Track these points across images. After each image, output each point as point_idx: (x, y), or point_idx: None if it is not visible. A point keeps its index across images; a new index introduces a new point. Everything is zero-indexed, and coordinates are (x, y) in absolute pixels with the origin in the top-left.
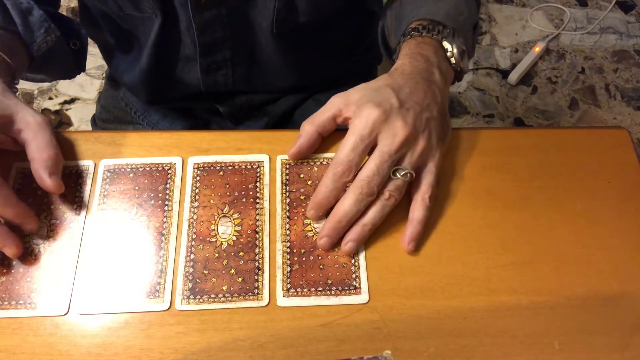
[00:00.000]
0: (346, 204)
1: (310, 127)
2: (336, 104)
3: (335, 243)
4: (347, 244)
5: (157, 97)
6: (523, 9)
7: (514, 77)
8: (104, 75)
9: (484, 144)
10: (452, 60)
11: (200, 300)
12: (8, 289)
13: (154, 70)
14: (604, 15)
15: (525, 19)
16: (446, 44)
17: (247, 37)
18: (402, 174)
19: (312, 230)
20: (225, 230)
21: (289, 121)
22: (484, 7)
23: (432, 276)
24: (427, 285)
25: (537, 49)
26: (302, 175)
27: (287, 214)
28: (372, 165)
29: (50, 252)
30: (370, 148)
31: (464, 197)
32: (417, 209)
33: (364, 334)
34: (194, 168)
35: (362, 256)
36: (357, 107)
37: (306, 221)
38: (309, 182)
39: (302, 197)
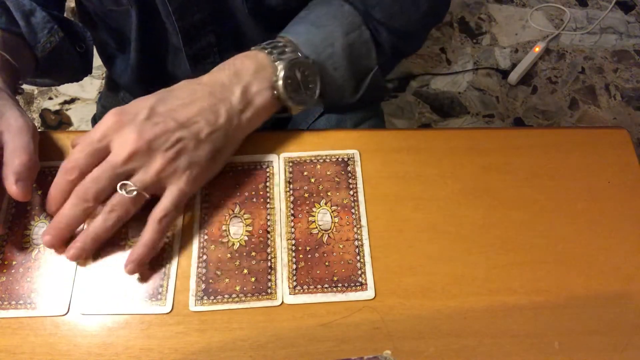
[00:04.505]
0: (65, 207)
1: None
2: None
3: (59, 243)
4: (70, 250)
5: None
6: (523, 9)
7: (514, 77)
8: (104, 75)
9: (484, 144)
10: (276, 89)
11: (214, 301)
12: (8, 289)
13: (145, 66)
14: (604, 15)
15: (525, 19)
16: (278, 69)
17: (227, 20)
18: (127, 189)
19: (316, 227)
20: (237, 231)
21: (288, 120)
22: (484, 7)
23: (432, 276)
24: (427, 285)
25: (537, 49)
26: (305, 173)
27: (292, 211)
28: (93, 173)
29: (50, 252)
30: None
31: (464, 197)
32: (146, 231)
33: (364, 334)
34: None
35: (367, 252)
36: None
37: (310, 218)
38: (312, 180)
39: (306, 195)
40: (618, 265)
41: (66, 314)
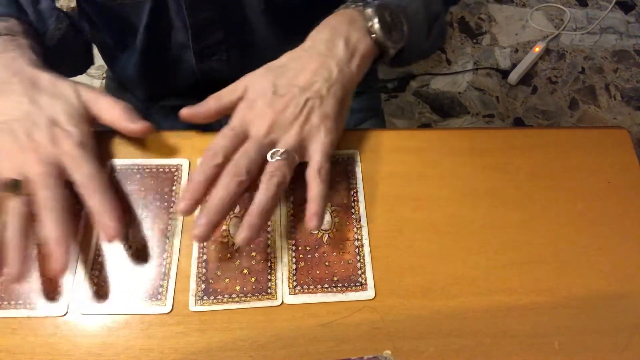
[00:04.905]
0: (217, 189)
1: (215, 103)
2: (242, 87)
3: (210, 234)
4: (240, 234)
5: (155, 92)
6: (523, 9)
7: (514, 77)
8: (104, 75)
9: (484, 144)
10: (373, 32)
11: (214, 301)
12: (8, 288)
13: (150, 61)
14: (604, 15)
15: (525, 19)
16: (369, 13)
17: (238, 17)
18: (278, 154)
19: None
20: (237, 230)
21: None
22: (484, 7)
23: (432, 276)
24: (427, 285)
25: (537, 49)
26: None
27: (292, 211)
28: (241, 150)
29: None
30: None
31: (464, 197)
32: (311, 187)
33: (364, 334)
34: None
35: (367, 252)
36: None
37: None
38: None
39: (306, 195)
40: (618, 265)
41: (65, 314)
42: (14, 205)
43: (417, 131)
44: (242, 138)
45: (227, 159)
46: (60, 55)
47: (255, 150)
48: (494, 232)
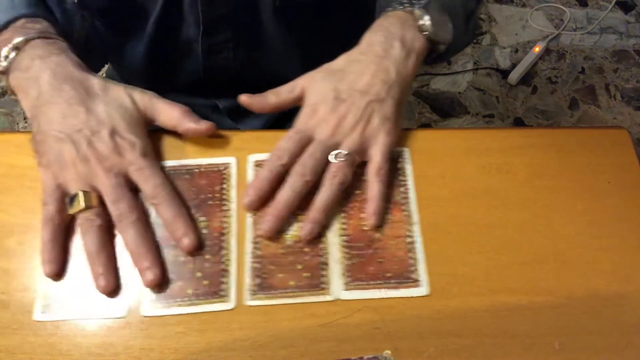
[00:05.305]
0: (283, 189)
1: (274, 98)
2: (300, 87)
3: (277, 228)
4: (305, 228)
5: (156, 88)
6: (523, 9)
7: (514, 77)
8: (104, 75)
9: (484, 144)
10: (425, 30)
11: (269, 295)
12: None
13: (155, 54)
14: (604, 15)
15: (525, 19)
16: (418, 13)
17: (249, 15)
18: (341, 155)
19: (368, 224)
20: (290, 227)
21: (290, 119)
22: (484, 7)
23: (432, 276)
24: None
25: (537, 49)
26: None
27: (343, 208)
28: (307, 152)
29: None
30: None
31: (464, 197)
32: (370, 186)
33: (364, 334)
34: (254, 166)
35: (420, 249)
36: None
37: (362, 215)
38: (362, 177)
39: (357, 192)
40: (618, 265)
41: (125, 316)
42: (87, 218)
43: (417, 131)
44: (305, 141)
45: (291, 160)
46: (82, 54)
47: (320, 152)
48: (494, 232)
